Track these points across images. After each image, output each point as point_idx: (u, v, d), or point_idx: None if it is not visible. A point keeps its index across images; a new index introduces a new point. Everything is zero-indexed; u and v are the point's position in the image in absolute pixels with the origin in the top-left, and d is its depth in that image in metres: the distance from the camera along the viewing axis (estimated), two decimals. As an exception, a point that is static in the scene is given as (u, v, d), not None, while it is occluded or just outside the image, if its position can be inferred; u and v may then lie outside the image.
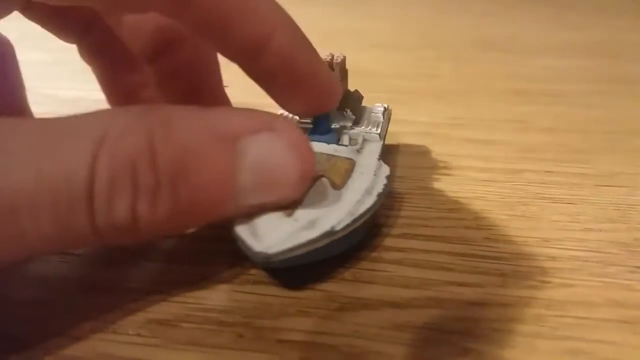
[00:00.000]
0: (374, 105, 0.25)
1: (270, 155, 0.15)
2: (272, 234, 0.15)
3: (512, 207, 0.21)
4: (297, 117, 0.23)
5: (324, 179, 0.18)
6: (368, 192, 0.18)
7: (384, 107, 0.24)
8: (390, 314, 0.16)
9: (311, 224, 0.16)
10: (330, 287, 0.17)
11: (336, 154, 0.19)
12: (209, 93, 0.21)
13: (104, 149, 0.13)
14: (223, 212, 0.15)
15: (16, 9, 0.20)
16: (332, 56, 0.23)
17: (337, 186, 0.18)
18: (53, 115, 0.13)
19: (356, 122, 0.23)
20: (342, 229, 0.16)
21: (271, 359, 0.14)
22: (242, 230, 0.16)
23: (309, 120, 0.22)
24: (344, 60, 0.23)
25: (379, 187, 0.18)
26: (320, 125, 0.21)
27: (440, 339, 0.15)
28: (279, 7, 0.17)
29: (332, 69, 0.23)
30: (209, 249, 0.19)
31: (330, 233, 0.16)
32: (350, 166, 0.19)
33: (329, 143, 0.20)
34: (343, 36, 0.49)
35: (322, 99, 0.19)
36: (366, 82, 0.37)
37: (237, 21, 0.16)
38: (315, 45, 0.18)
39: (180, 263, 0.18)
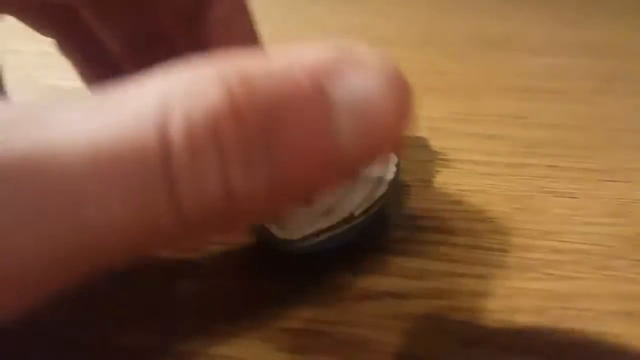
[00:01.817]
0: None
1: (365, 94, 0.12)
2: (293, 221, 0.16)
3: (515, 200, 0.21)
4: None
5: None
6: (380, 179, 0.18)
7: None
8: (391, 304, 0.16)
9: (330, 210, 0.16)
10: (331, 276, 0.17)
11: None
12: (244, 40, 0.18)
13: (173, 111, 0.10)
14: (325, 171, 0.11)
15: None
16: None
17: None
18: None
19: None
20: (360, 214, 0.17)
21: (271, 347, 0.14)
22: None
23: None
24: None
25: (390, 175, 0.18)
26: None
27: (440, 329, 0.15)
28: None
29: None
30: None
31: (350, 218, 0.16)
32: None
33: None
34: (349, 33, 0.49)
35: None
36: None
37: None
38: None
39: (181, 252, 0.18)
